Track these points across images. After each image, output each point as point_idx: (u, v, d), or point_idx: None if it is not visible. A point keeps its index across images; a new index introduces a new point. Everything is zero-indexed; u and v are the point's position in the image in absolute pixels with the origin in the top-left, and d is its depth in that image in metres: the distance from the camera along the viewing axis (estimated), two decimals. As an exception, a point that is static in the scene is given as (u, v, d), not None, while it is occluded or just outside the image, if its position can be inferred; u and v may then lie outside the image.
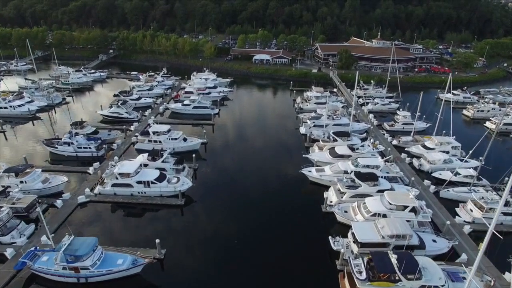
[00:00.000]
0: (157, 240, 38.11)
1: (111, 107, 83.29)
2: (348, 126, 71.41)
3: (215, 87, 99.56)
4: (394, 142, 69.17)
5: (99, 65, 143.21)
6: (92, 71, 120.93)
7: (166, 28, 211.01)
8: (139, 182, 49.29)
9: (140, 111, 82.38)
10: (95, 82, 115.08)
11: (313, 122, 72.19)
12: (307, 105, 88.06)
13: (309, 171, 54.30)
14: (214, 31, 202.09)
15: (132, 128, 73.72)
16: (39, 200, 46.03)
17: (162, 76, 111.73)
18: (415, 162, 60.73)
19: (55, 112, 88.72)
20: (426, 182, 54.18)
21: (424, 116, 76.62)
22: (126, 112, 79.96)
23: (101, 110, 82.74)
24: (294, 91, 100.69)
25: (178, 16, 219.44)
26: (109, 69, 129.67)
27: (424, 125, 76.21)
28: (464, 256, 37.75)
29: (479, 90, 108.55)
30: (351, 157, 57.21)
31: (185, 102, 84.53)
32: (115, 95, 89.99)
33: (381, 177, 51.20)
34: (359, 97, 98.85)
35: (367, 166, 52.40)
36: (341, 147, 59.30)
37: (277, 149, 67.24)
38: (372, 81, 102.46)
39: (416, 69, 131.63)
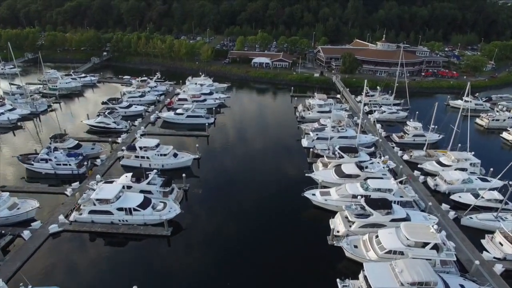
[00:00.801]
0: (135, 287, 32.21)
1: (99, 115, 77.65)
2: (355, 138, 65.51)
3: (211, 93, 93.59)
4: (405, 157, 63.12)
5: (91, 68, 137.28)
6: (83, 75, 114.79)
7: (163, 29, 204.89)
8: (119, 209, 43.33)
9: (129, 121, 76.20)
10: (85, 87, 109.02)
11: (316, 134, 66.16)
12: (309, 114, 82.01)
13: (313, 194, 48.31)
14: (212, 33, 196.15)
15: (119, 140, 67.76)
16: (2, 232, 40.08)
17: (155, 81, 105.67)
18: (430, 181, 54.68)
19: (40, 121, 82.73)
20: (444, 206, 48.19)
21: (436, 127, 70.46)
22: (114, 122, 73.98)
23: (87, 119, 76.82)
24: (296, 98, 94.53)
25: (176, 16, 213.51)
26: (101, 73, 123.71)
27: (437, 136, 70.14)
28: (500, 308, 31.77)
29: (491, 96, 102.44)
30: (360, 177, 51.34)
31: (178, 111, 78.52)
32: (103, 103, 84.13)
33: (395, 202, 45.27)
34: (364, 105, 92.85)
35: (379, 190, 46.39)
36: (348, 165, 53.30)
37: (277, 166, 61.12)
38: (378, 87, 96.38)
39: (423, 74, 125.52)
